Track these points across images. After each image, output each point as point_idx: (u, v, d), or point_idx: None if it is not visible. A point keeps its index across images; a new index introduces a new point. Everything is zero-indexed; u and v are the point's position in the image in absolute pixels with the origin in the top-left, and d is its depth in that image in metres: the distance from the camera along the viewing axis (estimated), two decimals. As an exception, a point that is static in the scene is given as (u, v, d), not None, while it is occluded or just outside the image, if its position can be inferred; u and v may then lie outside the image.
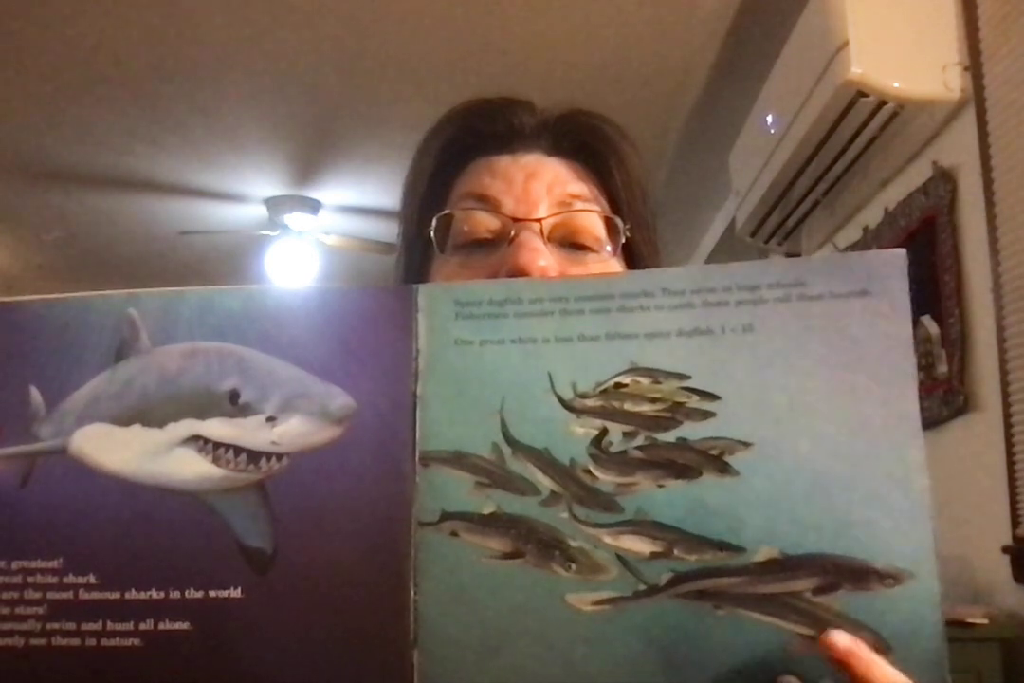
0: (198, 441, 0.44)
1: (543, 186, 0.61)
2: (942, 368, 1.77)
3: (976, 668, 1.42)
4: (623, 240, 0.62)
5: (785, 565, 0.41)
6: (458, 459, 0.43)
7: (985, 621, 1.45)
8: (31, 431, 0.45)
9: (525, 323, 0.44)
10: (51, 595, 0.43)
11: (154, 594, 0.43)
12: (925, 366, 1.80)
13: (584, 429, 0.43)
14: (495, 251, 0.59)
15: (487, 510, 0.43)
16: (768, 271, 0.44)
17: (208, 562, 0.43)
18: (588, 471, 0.43)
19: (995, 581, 1.58)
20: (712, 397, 0.43)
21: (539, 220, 0.59)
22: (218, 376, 0.44)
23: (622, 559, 0.42)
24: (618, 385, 0.43)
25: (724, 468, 0.42)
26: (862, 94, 1.72)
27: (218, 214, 3.65)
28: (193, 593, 0.43)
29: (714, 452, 0.42)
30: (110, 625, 0.43)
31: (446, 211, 0.62)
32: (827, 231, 2.38)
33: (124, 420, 0.45)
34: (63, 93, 2.71)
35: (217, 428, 0.44)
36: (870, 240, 2.10)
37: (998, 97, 1.62)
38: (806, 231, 2.48)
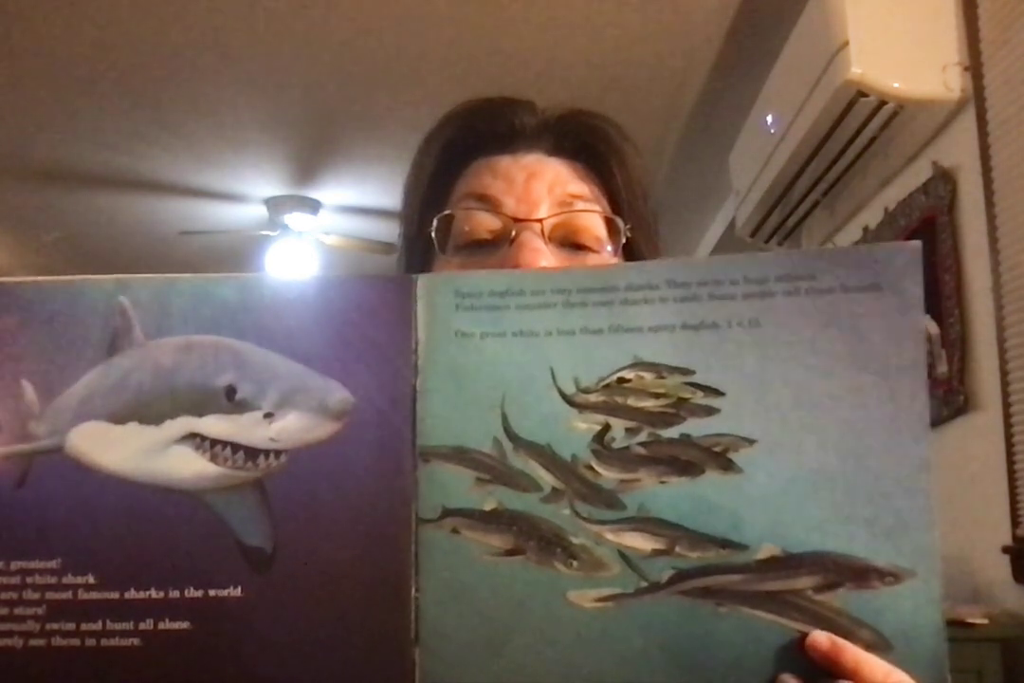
0: (195, 439, 0.44)
1: (544, 186, 0.61)
2: (942, 368, 1.77)
3: (976, 668, 1.42)
4: (624, 240, 0.62)
5: (787, 563, 0.41)
6: (459, 455, 0.43)
7: (985, 621, 1.45)
8: (26, 429, 0.45)
9: (527, 315, 0.44)
10: (50, 595, 0.43)
11: (153, 594, 0.43)
12: (926, 366, 1.80)
13: (586, 424, 0.43)
14: (496, 251, 0.59)
15: (488, 506, 0.43)
16: (777, 263, 0.43)
17: (207, 561, 0.43)
18: (590, 467, 0.43)
19: (995, 581, 1.58)
20: (716, 393, 0.42)
21: (540, 220, 0.59)
22: (214, 371, 0.44)
23: (624, 556, 0.42)
24: (621, 380, 0.43)
25: (727, 465, 0.42)
26: (862, 94, 1.72)
27: (218, 214, 3.65)
28: (192, 592, 0.42)
29: (718, 449, 0.42)
30: (109, 625, 0.42)
31: (447, 211, 0.62)
32: (827, 231, 2.38)
33: (120, 418, 0.44)
34: (63, 93, 2.71)
35: (214, 425, 0.44)
36: (870, 240, 2.10)
37: (998, 97, 1.62)
38: (806, 231, 2.48)
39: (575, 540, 0.42)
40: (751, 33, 2.30)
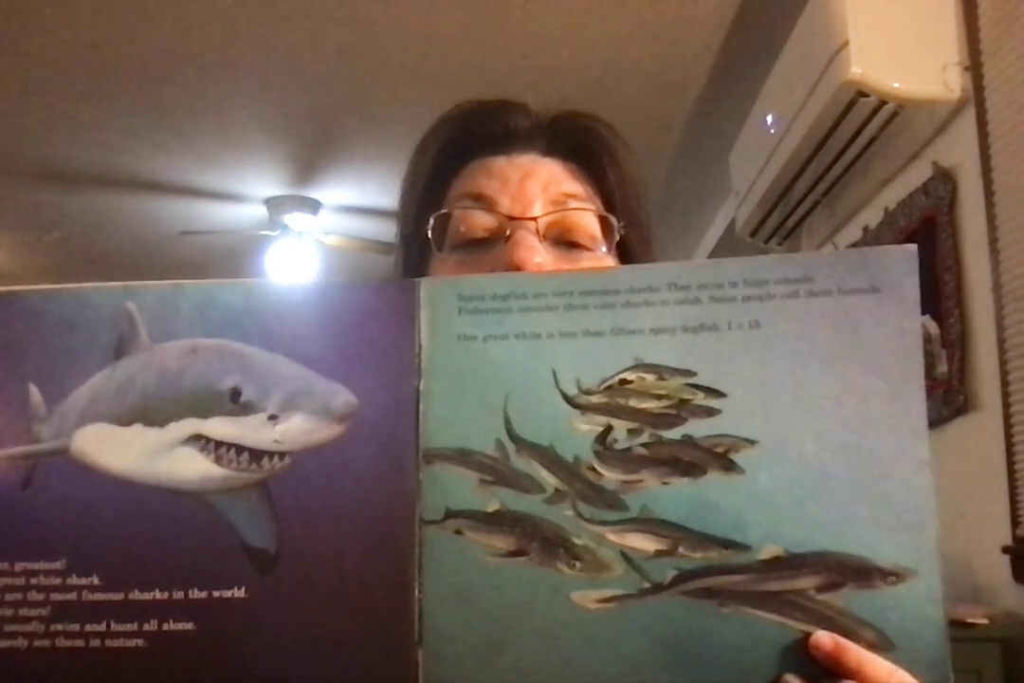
0: (200, 440, 0.44)
1: (538, 185, 0.61)
2: (942, 368, 1.77)
3: (976, 668, 1.42)
4: (617, 238, 0.63)
5: (789, 563, 0.41)
6: (462, 456, 0.43)
7: (985, 621, 1.45)
8: (32, 431, 0.45)
9: (529, 318, 0.44)
10: (54, 596, 0.43)
11: (158, 595, 0.43)
12: (925, 366, 1.80)
13: (588, 426, 0.43)
14: (492, 249, 0.60)
15: (491, 508, 0.43)
16: (776, 266, 0.44)
17: (211, 562, 0.43)
18: (593, 468, 0.43)
19: (995, 581, 1.58)
20: (718, 394, 0.43)
21: (534, 218, 0.60)
22: (219, 374, 0.44)
23: (627, 557, 0.42)
24: (623, 381, 0.43)
25: (729, 466, 0.42)
26: (862, 94, 1.72)
27: (218, 214, 3.65)
28: (197, 593, 0.43)
29: (719, 450, 0.42)
30: (114, 626, 0.43)
31: (443, 210, 0.62)
32: (827, 231, 2.38)
33: (125, 420, 0.45)
34: (63, 93, 2.71)
35: (219, 427, 0.44)
36: (870, 240, 2.10)
37: (998, 97, 1.62)
38: (806, 231, 2.49)
39: (578, 541, 0.42)
40: (751, 33, 2.31)
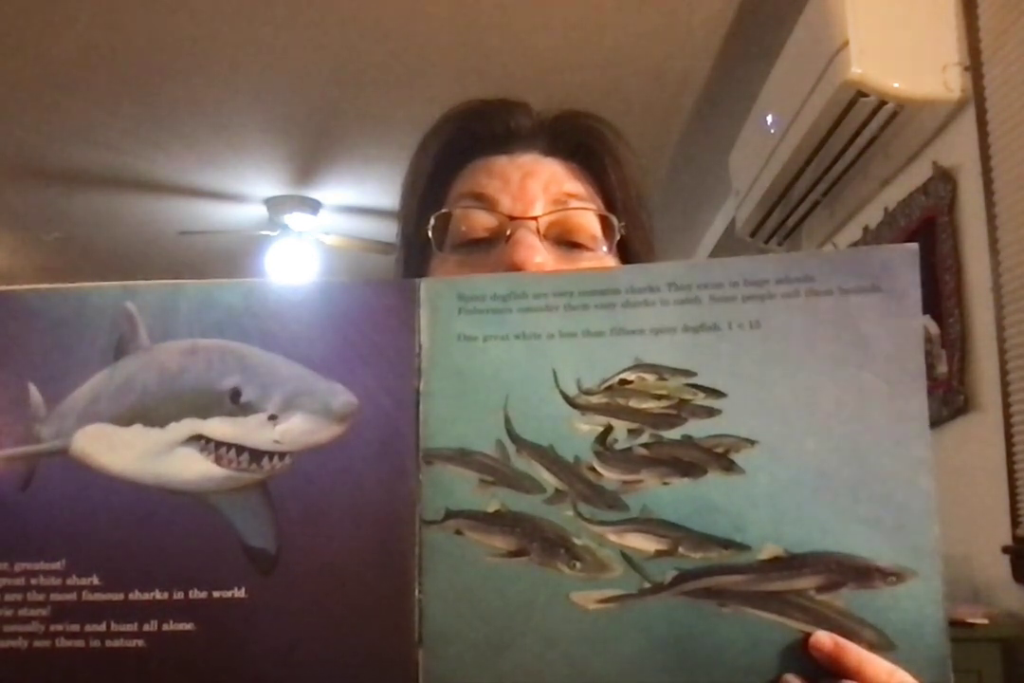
0: (200, 441, 0.44)
1: (539, 185, 0.61)
2: (942, 368, 1.77)
3: (976, 668, 1.42)
4: (618, 238, 0.63)
5: (789, 563, 0.41)
6: (462, 457, 0.43)
7: (985, 621, 1.45)
8: (32, 432, 0.45)
9: (529, 318, 0.44)
10: (54, 597, 0.43)
11: (158, 595, 0.43)
12: (925, 366, 1.80)
13: (589, 426, 0.43)
14: (492, 249, 0.60)
15: (491, 508, 0.43)
16: (777, 266, 0.44)
17: (211, 563, 0.43)
18: (593, 469, 0.43)
19: (995, 581, 1.58)
20: (718, 394, 0.43)
21: (535, 218, 0.60)
22: (219, 374, 0.44)
23: (627, 557, 0.42)
24: (623, 382, 0.43)
25: (729, 466, 0.42)
26: (862, 94, 1.72)
27: (218, 214, 3.65)
28: (197, 594, 0.43)
29: (719, 450, 0.42)
30: (114, 626, 0.43)
31: (444, 210, 0.62)
32: (827, 231, 2.38)
33: (125, 420, 0.45)
34: (63, 93, 2.71)
35: (219, 427, 0.44)
36: (870, 240, 2.10)
37: (998, 97, 1.62)
38: (806, 231, 2.49)
39: (578, 541, 0.42)
40: (751, 33, 2.31)
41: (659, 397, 0.43)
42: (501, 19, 2.32)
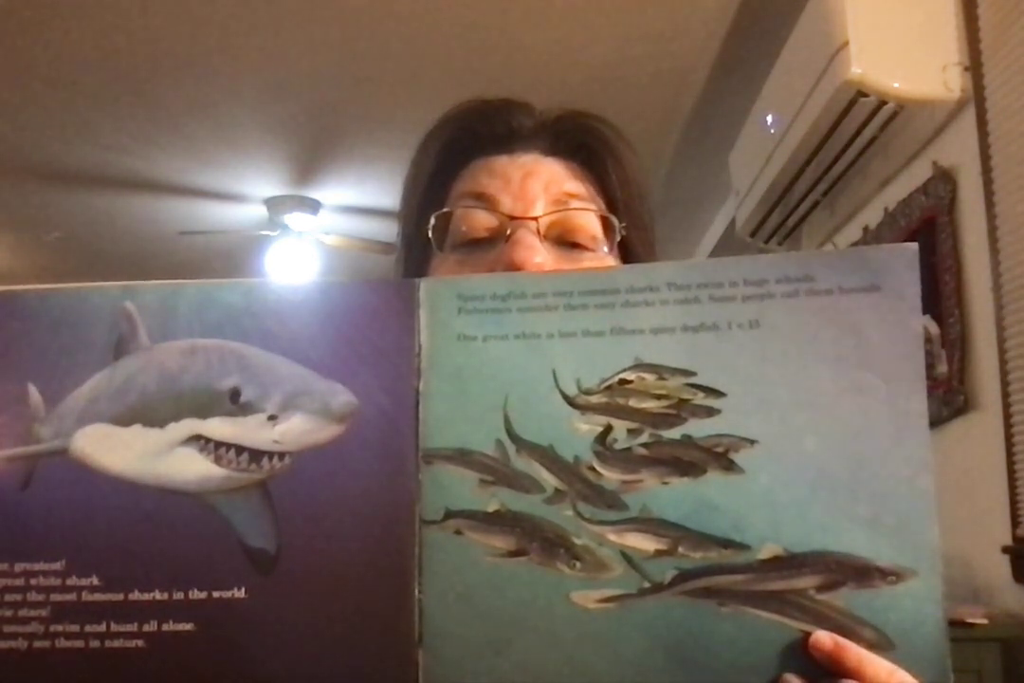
0: (199, 441, 0.44)
1: (540, 185, 0.61)
2: (942, 368, 1.77)
3: (976, 668, 1.42)
4: (619, 238, 0.62)
5: (789, 563, 0.41)
6: (462, 456, 0.43)
7: (985, 621, 1.46)
8: (32, 432, 0.45)
9: (528, 318, 0.44)
10: (54, 597, 0.43)
11: (157, 595, 0.43)
12: (925, 366, 1.80)
13: (588, 426, 0.43)
14: (492, 249, 0.60)
15: (491, 508, 0.43)
16: (776, 265, 0.44)
17: (211, 563, 0.43)
18: (592, 468, 0.43)
19: (995, 581, 1.58)
20: (717, 394, 0.43)
21: (535, 218, 0.59)
22: (218, 374, 0.44)
23: (627, 557, 0.42)
24: (623, 381, 0.43)
25: (729, 466, 0.42)
26: (862, 94, 1.72)
27: (218, 214, 3.65)
28: (197, 594, 0.43)
29: (719, 450, 0.42)
30: (114, 626, 0.42)
31: (445, 209, 0.62)
32: (827, 231, 2.38)
33: (125, 420, 0.45)
34: (63, 93, 2.71)
35: (218, 427, 0.44)
36: (870, 240, 2.10)
37: (998, 97, 1.62)
38: (806, 231, 2.49)
39: (578, 541, 0.42)
40: (751, 33, 2.31)
41: (659, 397, 0.43)
42: (501, 19, 2.32)
